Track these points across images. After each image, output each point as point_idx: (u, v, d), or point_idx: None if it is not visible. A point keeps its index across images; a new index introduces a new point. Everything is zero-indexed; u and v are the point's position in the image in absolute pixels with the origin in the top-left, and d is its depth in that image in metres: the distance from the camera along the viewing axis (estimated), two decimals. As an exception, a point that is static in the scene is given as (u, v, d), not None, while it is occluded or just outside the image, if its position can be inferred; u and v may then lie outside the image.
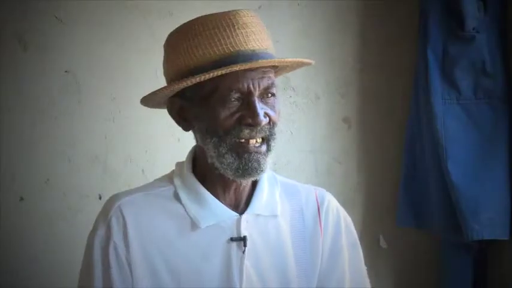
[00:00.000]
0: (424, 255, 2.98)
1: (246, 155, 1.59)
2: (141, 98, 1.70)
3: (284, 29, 2.80)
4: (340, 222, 1.79)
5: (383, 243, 2.93)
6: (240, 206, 1.70)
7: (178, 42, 1.62)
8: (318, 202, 1.78)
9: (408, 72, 2.89)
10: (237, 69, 1.54)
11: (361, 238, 2.69)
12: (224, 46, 1.57)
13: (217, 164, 1.61)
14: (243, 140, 1.59)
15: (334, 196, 1.86)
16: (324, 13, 2.87)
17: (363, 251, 1.85)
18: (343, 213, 1.82)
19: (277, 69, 1.68)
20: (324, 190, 1.83)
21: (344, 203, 2.70)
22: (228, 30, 1.58)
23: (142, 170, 2.64)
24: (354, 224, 1.86)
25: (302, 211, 1.76)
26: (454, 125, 2.67)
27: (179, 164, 1.74)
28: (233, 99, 1.57)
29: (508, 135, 2.66)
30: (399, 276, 2.97)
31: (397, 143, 2.92)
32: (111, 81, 2.61)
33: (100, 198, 2.57)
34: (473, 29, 2.64)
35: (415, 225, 2.86)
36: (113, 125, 2.61)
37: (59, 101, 2.55)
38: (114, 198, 1.68)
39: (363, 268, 1.82)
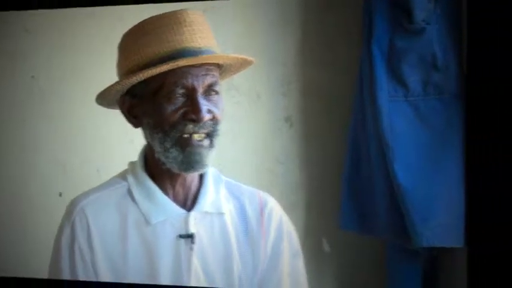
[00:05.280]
0: (370, 259, 2.95)
1: (188, 148, 1.71)
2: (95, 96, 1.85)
3: (226, 30, 2.85)
4: (282, 227, 1.89)
5: (326, 247, 2.94)
6: (188, 202, 1.82)
7: (129, 42, 1.77)
8: (261, 205, 1.88)
9: (352, 69, 2.85)
10: (182, 64, 1.67)
11: (303, 241, 2.71)
12: (171, 43, 1.70)
13: (163, 159, 1.74)
14: (186, 135, 1.71)
15: (276, 196, 1.94)
16: (266, 12, 2.91)
17: (305, 254, 1.94)
18: (285, 219, 1.92)
19: (221, 70, 1.80)
20: (268, 194, 1.93)
21: (285, 204, 2.72)
22: (175, 28, 1.71)
23: (97, 170, 2.81)
24: (296, 226, 1.94)
25: (245, 212, 1.87)
26: (401, 124, 2.60)
27: (132, 163, 1.87)
28: (178, 95, 1.70)
29: (461, 133, 2.57)
30: (343, 281, 2.97)
31: (341, 142, 2.90)
32: (69, 84, 2.84)
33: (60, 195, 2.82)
34: (423, 20, 2.57)
35: (360, 229, 2.78)
36: (72, 127, 2.84)
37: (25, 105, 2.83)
38: (76, 200, 1.82)
39: (303, 276, 1.92)
